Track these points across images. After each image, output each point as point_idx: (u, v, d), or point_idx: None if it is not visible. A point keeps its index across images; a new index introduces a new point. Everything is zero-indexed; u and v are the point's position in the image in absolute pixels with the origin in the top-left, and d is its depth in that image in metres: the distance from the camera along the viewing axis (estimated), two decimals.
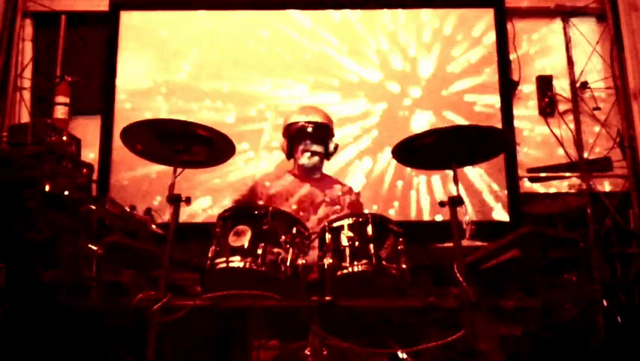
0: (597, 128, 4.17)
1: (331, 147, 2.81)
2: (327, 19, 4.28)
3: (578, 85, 4.20)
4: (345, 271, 1.93)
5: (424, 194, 4.02)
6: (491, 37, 4.25)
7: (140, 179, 3.99)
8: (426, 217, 3.98)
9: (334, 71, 4.20)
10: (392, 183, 4.03)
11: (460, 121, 4.10)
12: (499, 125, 4.01)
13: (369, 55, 4.23)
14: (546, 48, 4.32)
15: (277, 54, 4.22)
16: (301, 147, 2.76)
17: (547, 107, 4.18)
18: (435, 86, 4.19)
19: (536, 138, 4.20)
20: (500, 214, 3.98)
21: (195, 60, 4.21)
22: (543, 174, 4.05)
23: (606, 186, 4.08)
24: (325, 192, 2.81)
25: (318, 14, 4.28)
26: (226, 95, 4.16)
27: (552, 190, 4.07)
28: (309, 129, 2.72)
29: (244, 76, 4.18)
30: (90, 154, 3.98)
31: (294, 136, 2.76)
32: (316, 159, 2.78)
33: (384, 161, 4.05)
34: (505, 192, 4.02)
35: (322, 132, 2.75)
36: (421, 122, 4.12)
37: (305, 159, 2.77)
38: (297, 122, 2.74)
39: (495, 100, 4.17)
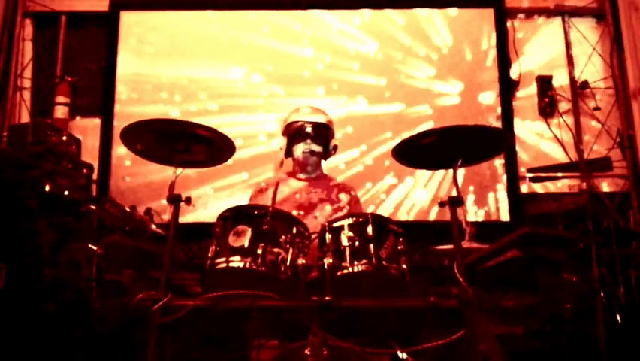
0: (597, 128, 4.18)
1: (331, 147, 2.81)
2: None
3: (578, 85, 4.20)
4: (345, 271, 1.93)
5: (397, 195, 4.03)
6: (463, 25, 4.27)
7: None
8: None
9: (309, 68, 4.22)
10: (361, 184, 3.99)
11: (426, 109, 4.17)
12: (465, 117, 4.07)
13: (347, 50, 4.25)
14: (546, 48, 4.32)
15: (281, 56, 4.23)
16: (301, 147, 2.75)
17: (547, 107, 4.19)
18: (405, 77, 4.20)
19: (536, 137, 4.20)
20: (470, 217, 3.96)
21: (194, 59, 4.21)
22: (543, 174, 4.05)
23: (606, 186, 4.08)
24: (324, 191, 2.81)
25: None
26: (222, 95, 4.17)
27: (552, 190, 4.07)
28: (310, 129, 2.72)
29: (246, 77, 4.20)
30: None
31: (294, 135, 2.75)
32: (316, 158, 2.78)
33: (353, 158, 4.06)
34: (496, 194, 4.00)
35: (323, 132, 2.75)
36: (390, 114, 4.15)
37: (305, 159, 2.77)
38: (298, 122, 2.74)
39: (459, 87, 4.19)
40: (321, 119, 2.75)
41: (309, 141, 2.74)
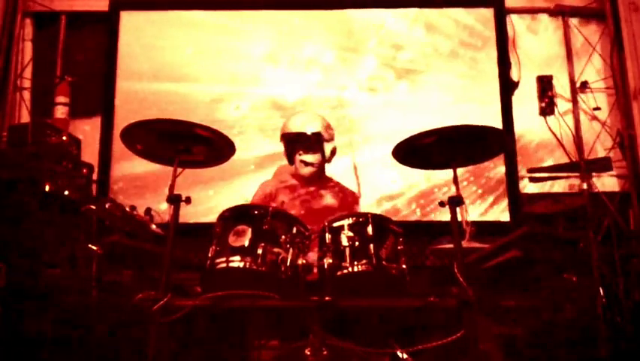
0: (597, 128, 4.18)
1: (328, 151, 2.78)
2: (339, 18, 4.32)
3: (577, 85, 4.20)
4: (345, 271, 1.93)
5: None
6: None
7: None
8: None
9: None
10: None
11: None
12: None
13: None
14: (546, 48, 4.32)
15: (276, 54, 4.24)
16: (297, 157, 2.76)
17: (547, 107, 4.19)
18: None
19: (536, 138, 4.20)
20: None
21: (193, 60, 4.22)
22: (543, 174, 4.05)
23: (606, 186, 4.08)
24: (324, 192, 2.81)
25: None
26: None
27: (552, 190, 4.07)
28: (303, 140, 2.71)
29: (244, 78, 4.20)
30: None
31: (289, 145, 2.77)
32: (311, 168, 2.76)
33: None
34: (496, 194, 3.99)
35: (315, 141, 2.73)
36: None
37: (301, 169, 2.77)
38: (291, 132, 2.73)
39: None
40: (313, 128, 2.71)
41: (301, 152, 2.74)
